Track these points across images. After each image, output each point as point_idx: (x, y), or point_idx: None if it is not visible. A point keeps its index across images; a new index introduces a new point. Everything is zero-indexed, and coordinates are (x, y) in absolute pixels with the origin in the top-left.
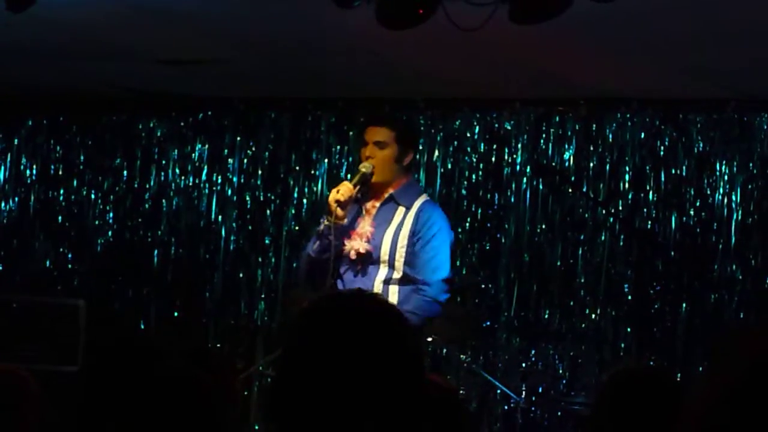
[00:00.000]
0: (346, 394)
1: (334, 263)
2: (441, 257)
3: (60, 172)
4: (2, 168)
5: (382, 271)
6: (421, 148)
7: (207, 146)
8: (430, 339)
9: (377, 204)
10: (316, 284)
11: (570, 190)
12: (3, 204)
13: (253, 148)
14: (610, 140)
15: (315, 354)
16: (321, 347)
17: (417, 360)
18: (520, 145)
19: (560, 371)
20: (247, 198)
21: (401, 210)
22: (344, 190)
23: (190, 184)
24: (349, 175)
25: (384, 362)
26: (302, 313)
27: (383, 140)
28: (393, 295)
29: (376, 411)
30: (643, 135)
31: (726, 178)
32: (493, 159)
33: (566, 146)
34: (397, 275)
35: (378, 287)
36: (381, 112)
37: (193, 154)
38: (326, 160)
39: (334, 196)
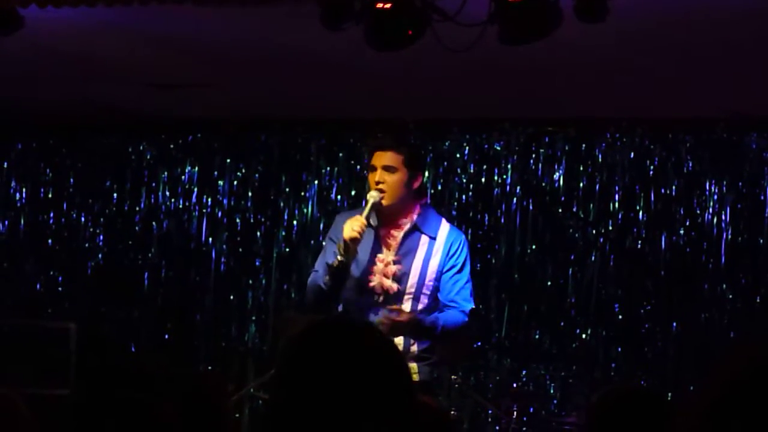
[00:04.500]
0: (339, 418)
1: (357, 298)
2: (470, 287)
3: (50, 195)
4: None
5: (406, 305)
6: None
7: (197, 168)
8: None
9: (396, 233)
10: (323, 310)
11: (560, 211)
12: None
13: (243, 170)
14: (600, 160)
15: (308, 379)
16: (313, 373)
17: (408, 385)
18: (509, 166)
19: (551, 391)
20: (238, 220)
21: (425, 239)
22: (359, 226)
23: (180, 206)
24: (338, 199)
25: (375, 387)
26: (295, 339)
27: (392, 165)
28: None
29: None
30: (632, 155)
31: (716, 197)
32: (483, 179)
33: (556, 166)
34: (421, 307)
35: None
36: (386, 136)
37: (183, 177)
38: (316, 182)
39: (351, 234)
